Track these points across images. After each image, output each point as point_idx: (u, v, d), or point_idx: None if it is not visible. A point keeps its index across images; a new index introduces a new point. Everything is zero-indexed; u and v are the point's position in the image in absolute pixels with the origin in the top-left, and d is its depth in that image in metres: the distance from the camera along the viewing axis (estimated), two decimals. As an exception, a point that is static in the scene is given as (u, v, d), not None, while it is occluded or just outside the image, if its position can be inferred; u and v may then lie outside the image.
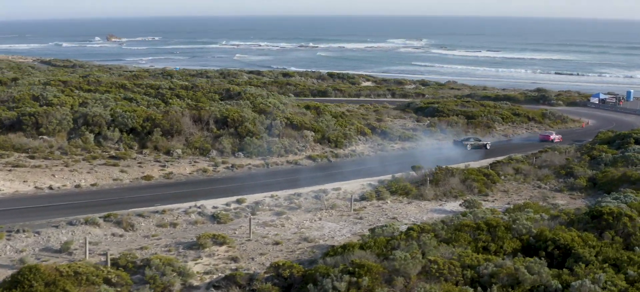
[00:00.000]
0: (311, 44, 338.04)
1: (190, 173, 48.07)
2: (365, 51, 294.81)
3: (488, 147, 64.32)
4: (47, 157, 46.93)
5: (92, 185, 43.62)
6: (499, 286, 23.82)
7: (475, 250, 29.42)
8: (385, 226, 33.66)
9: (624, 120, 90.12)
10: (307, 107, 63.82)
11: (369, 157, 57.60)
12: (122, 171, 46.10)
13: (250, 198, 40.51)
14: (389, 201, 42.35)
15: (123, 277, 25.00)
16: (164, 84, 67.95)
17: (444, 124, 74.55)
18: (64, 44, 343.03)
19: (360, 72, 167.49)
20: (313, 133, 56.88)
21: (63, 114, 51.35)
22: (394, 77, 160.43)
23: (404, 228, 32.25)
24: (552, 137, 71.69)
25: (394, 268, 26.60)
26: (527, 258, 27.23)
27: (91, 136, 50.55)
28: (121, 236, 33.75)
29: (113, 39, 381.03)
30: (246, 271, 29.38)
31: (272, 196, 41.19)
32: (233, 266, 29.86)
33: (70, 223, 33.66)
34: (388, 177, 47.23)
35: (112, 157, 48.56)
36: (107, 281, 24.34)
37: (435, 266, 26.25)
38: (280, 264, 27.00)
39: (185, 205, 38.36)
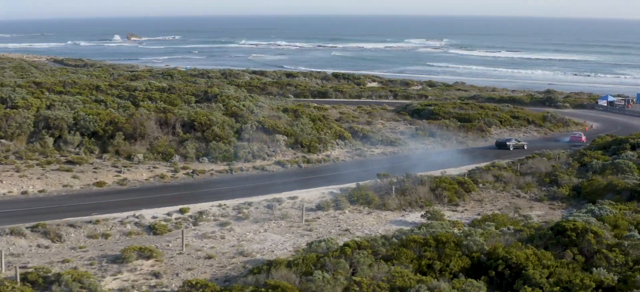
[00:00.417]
0: (330, 44, 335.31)
1: (146, 179, 46.08)
2: (383, 51, 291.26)
3: (525, 148, 66.07)
4: (1, 161, 45.44)
5: (40, 191, 41.96)
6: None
7: (418, 269, 27.23)
8: (323, 240, 31.32)
9: (631, 123, 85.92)
10: (285, 110, 61.22)
11: (343, 163, 54.96)
12: (74, 177, 44.34)
13: (195, 207, 38.34)
14: (346, 211, 39.95)
15: (28, 294, 23.28)
16: (140, 86, 66.11)
17: (435, 127, 71.56)
18: (82, 43, 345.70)
19: (373, 73, 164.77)
20: (286, 137, 54.46)
21: (24, 117, 49.85)
22: (408, 77, 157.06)
23: (343, 243, 30.02)
24: (583, 138, 69.68)
25: (311, 291, 24.68)
26: (469, 280, 25.13)
27: (51, 140, 48.95)
28: (47, 247, 32.13)
29: (133, 38, 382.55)
30: (164, 289, 27.62)
31: (219, 205, 38.93)
32: (153, 282, 28.10)
33: (-5, 233, 31.97)
34: (353, 185, 44.63)
35: (68, 162, 46.78)
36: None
37: (357, 289, 24.34)
38: (194, 283, 25.63)
39: (124, 214, 36.37)
